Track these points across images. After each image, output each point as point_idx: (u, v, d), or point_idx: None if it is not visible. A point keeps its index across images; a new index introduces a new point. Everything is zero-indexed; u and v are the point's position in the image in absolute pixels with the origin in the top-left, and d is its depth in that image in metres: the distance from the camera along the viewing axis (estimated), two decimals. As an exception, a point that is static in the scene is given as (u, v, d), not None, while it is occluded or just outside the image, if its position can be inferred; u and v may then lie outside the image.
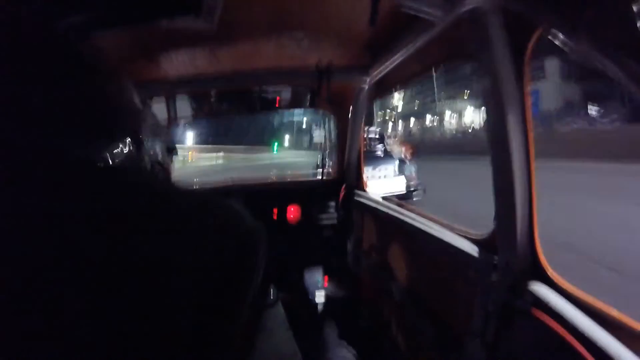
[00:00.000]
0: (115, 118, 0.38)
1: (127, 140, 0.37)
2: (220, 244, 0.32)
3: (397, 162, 6.80)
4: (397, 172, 6.62)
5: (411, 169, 6.80)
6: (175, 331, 0.28)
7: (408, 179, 6.64)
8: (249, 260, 0.33)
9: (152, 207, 0.31)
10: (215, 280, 0.30)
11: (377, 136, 7.66)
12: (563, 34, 0.52)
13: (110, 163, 0.35)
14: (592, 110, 16.65)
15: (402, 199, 4.92)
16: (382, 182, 6.32)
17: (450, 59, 1.02)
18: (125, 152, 0.38)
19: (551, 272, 0.75)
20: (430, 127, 36.22)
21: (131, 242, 0.28)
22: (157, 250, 0.29)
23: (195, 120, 1.84)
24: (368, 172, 5.94)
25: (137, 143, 0.40)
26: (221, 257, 0.31)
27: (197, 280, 0.30)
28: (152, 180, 0.29)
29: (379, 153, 7.17)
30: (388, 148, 7.57)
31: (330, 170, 2.18)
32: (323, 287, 2.13)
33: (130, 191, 0.32)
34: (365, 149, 6.04)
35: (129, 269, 0.28)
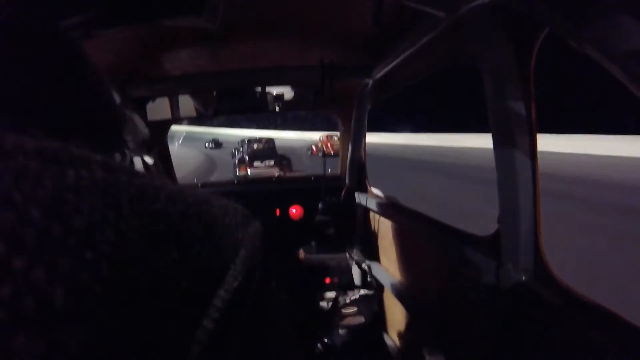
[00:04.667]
0: (109, 118, 0.38)
1: (122, 142, 0.37)
2: (218, 243, 0.32)
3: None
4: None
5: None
6: (174, 330, 0.28)
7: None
8: (247, 259, 0.33)
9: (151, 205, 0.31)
10: (214, 279, 0.30)
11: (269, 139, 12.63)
12: (567, 33, 0.51)
13: (108, 163, 0.35)
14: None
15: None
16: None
17: (455, 58, 1.01)
18: (121, 152, 0.38)
19: (555, 274, 0.74)
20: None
21: (129, 239, 0.28)
22: (153, 249, 0.29)
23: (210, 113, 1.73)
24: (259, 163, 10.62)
25: (129, 144, 0.40)
26: (220, 255, 0.31)
27: (194, 279, 0.29)
28: (150, 178, 0.29)
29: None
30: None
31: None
32: (324, 287, 2.13)
33: (129, 190, 0.32)
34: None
35: (127, 266, 0.27)
